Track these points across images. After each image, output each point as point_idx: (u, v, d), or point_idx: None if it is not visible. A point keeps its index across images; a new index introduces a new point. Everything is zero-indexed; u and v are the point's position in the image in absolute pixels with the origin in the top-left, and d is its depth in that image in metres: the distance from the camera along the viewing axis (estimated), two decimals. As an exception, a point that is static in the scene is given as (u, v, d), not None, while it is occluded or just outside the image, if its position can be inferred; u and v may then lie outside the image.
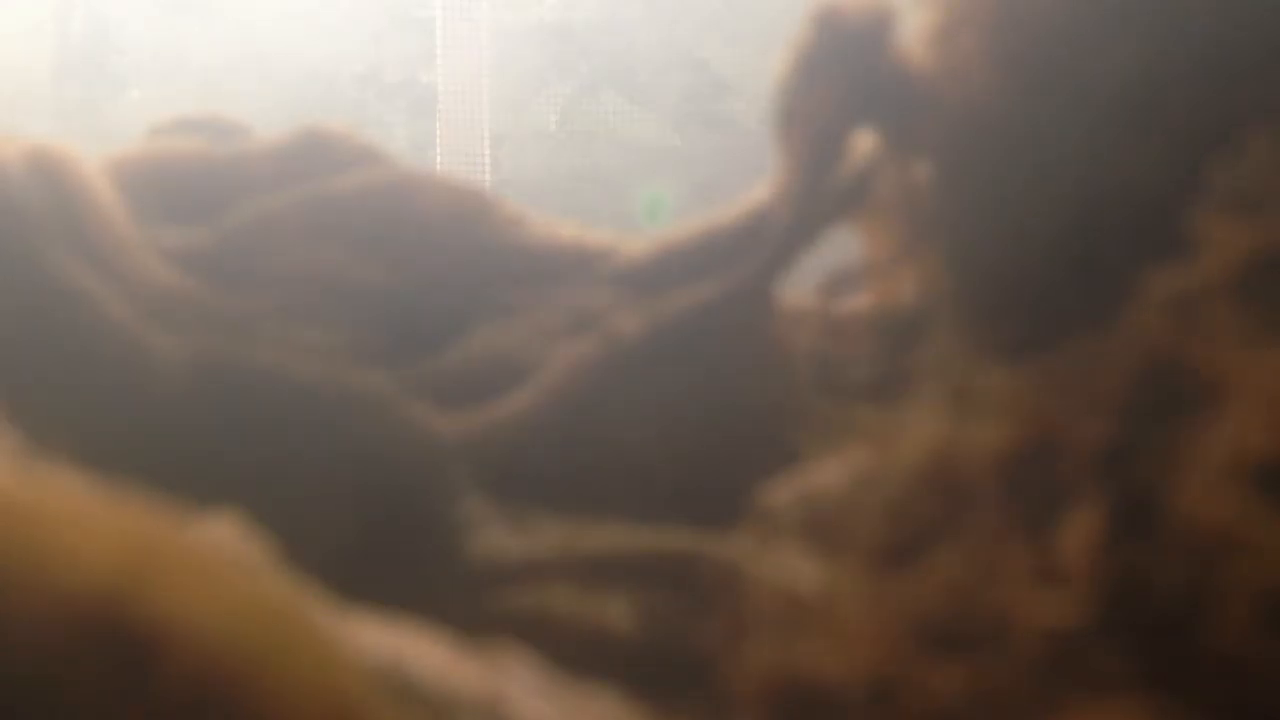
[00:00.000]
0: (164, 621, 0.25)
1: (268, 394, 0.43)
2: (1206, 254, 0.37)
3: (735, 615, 0.40)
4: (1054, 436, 0.37)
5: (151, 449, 0.42)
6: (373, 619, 0.34)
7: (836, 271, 0.45)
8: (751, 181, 0.46)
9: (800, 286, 0.45)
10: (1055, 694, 0.35)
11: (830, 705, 0.37)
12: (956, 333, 0.41)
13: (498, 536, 0.42)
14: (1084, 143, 0.40)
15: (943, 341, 0.41)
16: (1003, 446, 0.38)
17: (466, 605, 0.41)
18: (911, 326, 0.42)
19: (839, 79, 0.43)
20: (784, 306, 0.45)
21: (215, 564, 0.27)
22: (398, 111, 1.76)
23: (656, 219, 1.73)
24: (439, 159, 1.73)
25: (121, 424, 0.42)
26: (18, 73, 1.71)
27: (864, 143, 0.44)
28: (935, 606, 0.37)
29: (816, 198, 0.44)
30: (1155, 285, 0.37)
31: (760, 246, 0.45)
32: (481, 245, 0.46)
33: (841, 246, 0.45)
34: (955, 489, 0.38)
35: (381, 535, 0.42)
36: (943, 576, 0.37)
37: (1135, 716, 0.34)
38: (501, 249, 0.46)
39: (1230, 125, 0.38)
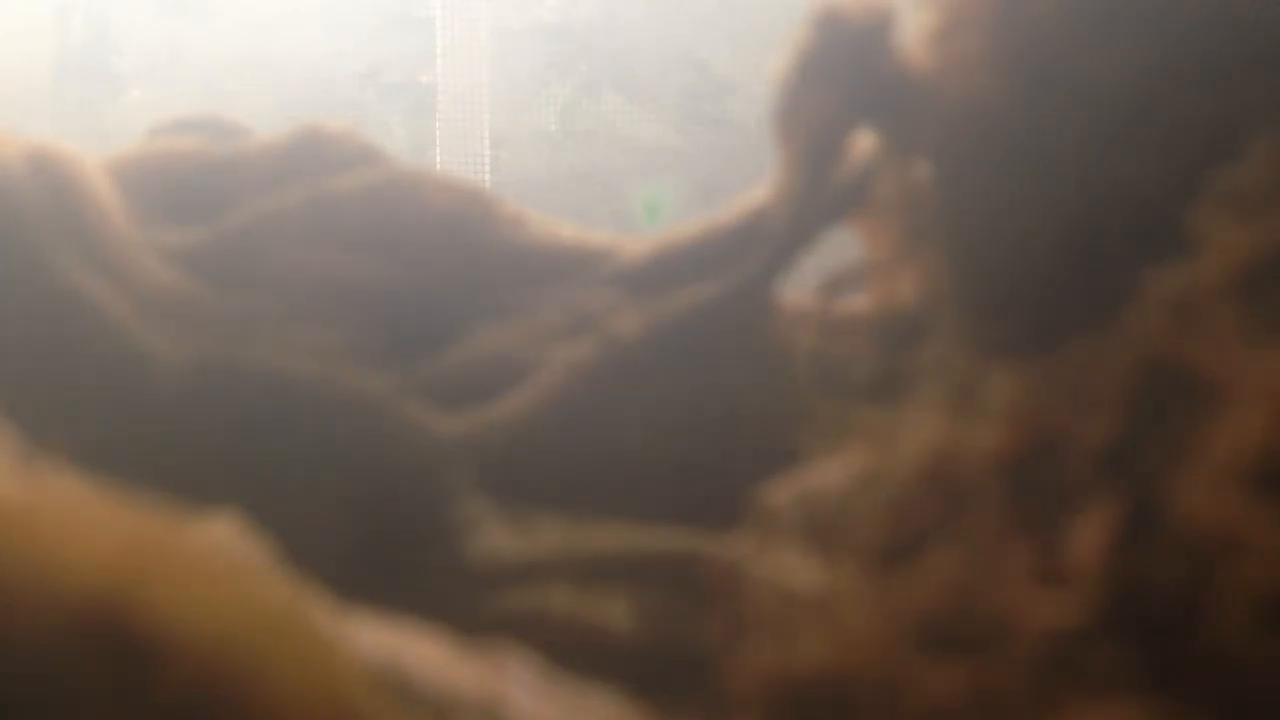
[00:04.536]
0: (164, 623, 0.25)
1: (267, 394, 0.43)
2: (1207, 254, 0.37)
3: (735, 615, 0.40)
4: (1054, 437, 0.37)
5: (151, 449, 0.42)
6: (372, 620, 0.34)
7: (836, 271, 0.45)
8: (751, 181, 0.46)
9: (800, 286, 0.45)
10: (1055, 694, 0.35)
11: (830, 705, 0.37)
12: (956, 333, 0.41)
13: (497, 537, 0.42)
14: (1084, 143, 0.40)
15: (943, 341, 0.41)
16: (1003, 446, 0.38)
17: (466, 605, 0.41)
18: (911, 326, 0.42)
19: (839, 79, 0.43)
20: (784, 306, 0.45)
21: (215, 566, 0.27)
22: (397, 111, 1.76)
23: (656, 219, 1.73)
24: (439, 159, 1.73)
25: (121, 424, 0.42)
26: (18, 73, 1.71)
27: (864, 143, 0.44)
28: (935, 606, 0.37)
29: (816, 198, 0.44)
30: (1156, 285, 0.37)
31: (760, 246, 0.45)
32: (481, 246, 0.46)
33: (841, 246, 0.45)
34: (955, 489, 0.38)
35: (381, 536, 0.42)
36: (943, 576, 0.37)
37: (1135, 716, 0.34)
38: (501, 249, 0.46)
39: (1230, 126, 0.38)
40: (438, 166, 1.71)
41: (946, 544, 0.38)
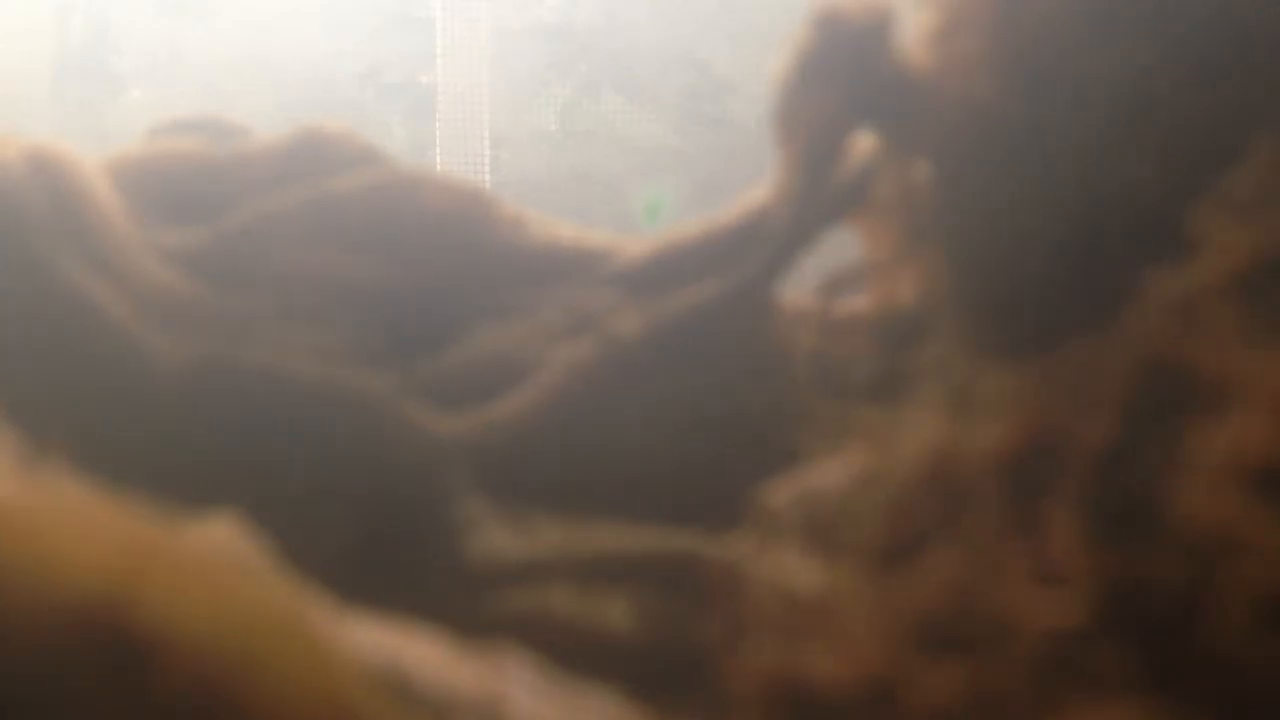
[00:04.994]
0: (163, 624, 0.25)
1: (267, 395, 0.43)
2: (1207, 255, 0.37)
3: (735, 616, 0.40)
4: (1054, 437, 0.37)
5: (151, 450, 0.42)
6: (372, 620, 0.34)
7: (836, 271, 0.45)
8: (751, 181, 0.46)
9: (800, 286, 0.45)
10: (1055, 694, 0.35)
11: (829, 705, 0.37)
12: (956, 333, 0.41)
13: (497, 537, 0.42)
14: (1084, 143, 0.40)
15: (943, 341, 0.41)
16: (1003, 446, 0.38)
17: (466, 605, 0.41)
18: (911, 326, 0.42)
19: (839, 79, 0.43)
20: (784, 306, 0.45)
21: (214, 567, 0.27)
22: (397, 111, 1.76)
23: (656, 219, 1.73)
24: (439, 159, 1.73)
25: (121, 425, 0.42)
26: (18, 73, 1.71)
27: (864, 143, 0.44)
28: (935, 607, 0.37)
29: (816, 198, 0.44)
30: (1156, 286, 0.37)
31: (760, 247, 0.45)
32: (481, 246, 0.46)
33: (841, 246, 0.45)
34: (955, 489, 0.38)
35: (381, 536, 0.42)
36: (942, 577, 0.37)
37: (1135, 716, 0.34)
38: (501, 249, 0.46)
39: (1230, 126, 0.38)
40: (438, 166, 1.71)
41: (946, 544, 0.38)
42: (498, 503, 0.43)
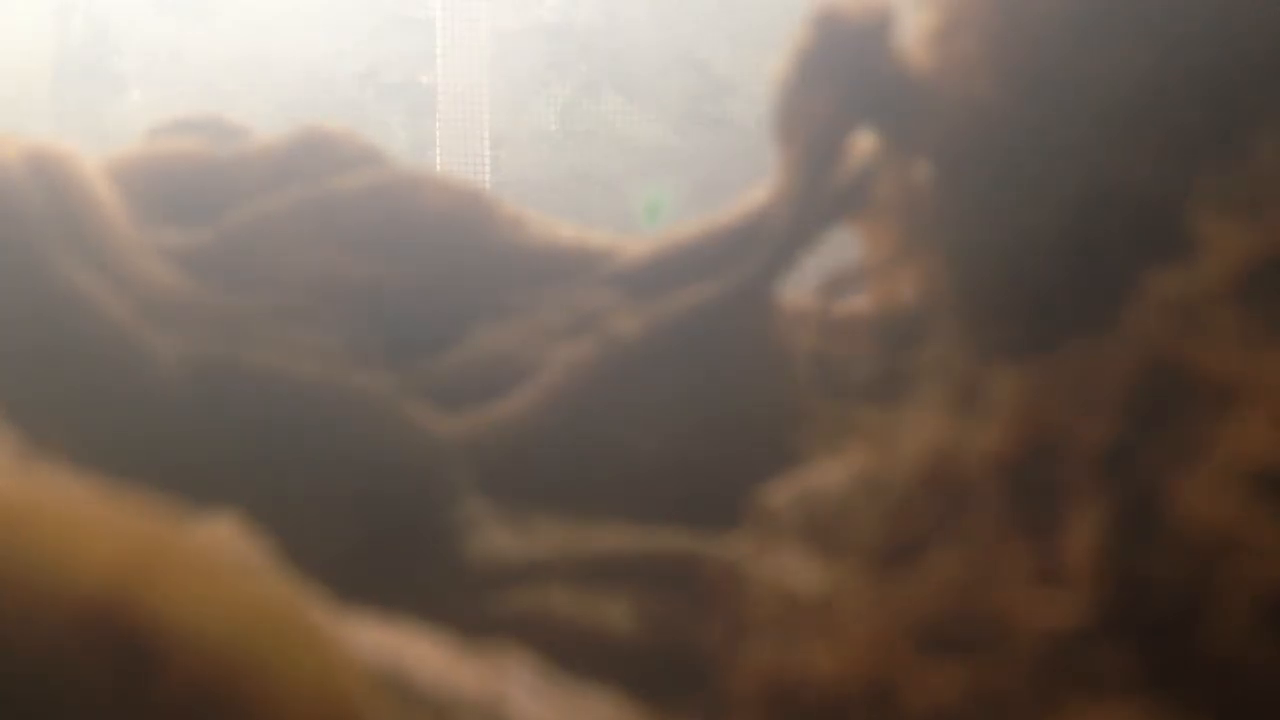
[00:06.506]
0: (164, 623, 0.25)
1: (267, 395, 0.43)
2: (1207, 255, 0.37)
3: (735, 616, 0.40)
4: (1054, 437, 0.37)
5: (151, 450, 0.42)
6: (373, 620, 0.34)
7: (836, 271, 0.45)
8: (751, 181, 0.46)
9: (800, 286, 0.45)
10: (1055, 695, 0.35)
11: (829, 706, 0.37)
12: (956, 333, 0.41)
13: (497, 537, 0.42)
14: (1084, 143, 0.40)
15: (943, 341, 0.41)
16: (1003, 447, 0.38)
17: (466, 606, 0.41)
18: (911, 326, 0.42)
19: (839, 79, 0.43)
20: (784, 307, 0.45)
21: (215, 566, 0.27)
22: (397, 111, 1.76)
23: (656, 219, 1.73)
24: (439, 159, 1.73)
25: (121, 424, 0.42)
26: (18, 73, 1.72)
27: (864, 143, 0.44)
28: (935, 607, 0.37)
29: (816, 198, 0.44)
30: (1156, 286, 0.37)
31: (760, 247, 0.45)
32: (481, 246, 0.46)
33: (841, 246, 0.45)
34: (955, 489, 0.38)
35: (381, 536, 0.42)
36: (943, 577, 0.37)
37: (1135, 716, 0.34)
38: (501, 250, 0.46)
39: (1231, 126, 0.38)
40: (438, 166, 1.71)
41: (946, 544, 0.38)
42: (498, 503, 0.43)
